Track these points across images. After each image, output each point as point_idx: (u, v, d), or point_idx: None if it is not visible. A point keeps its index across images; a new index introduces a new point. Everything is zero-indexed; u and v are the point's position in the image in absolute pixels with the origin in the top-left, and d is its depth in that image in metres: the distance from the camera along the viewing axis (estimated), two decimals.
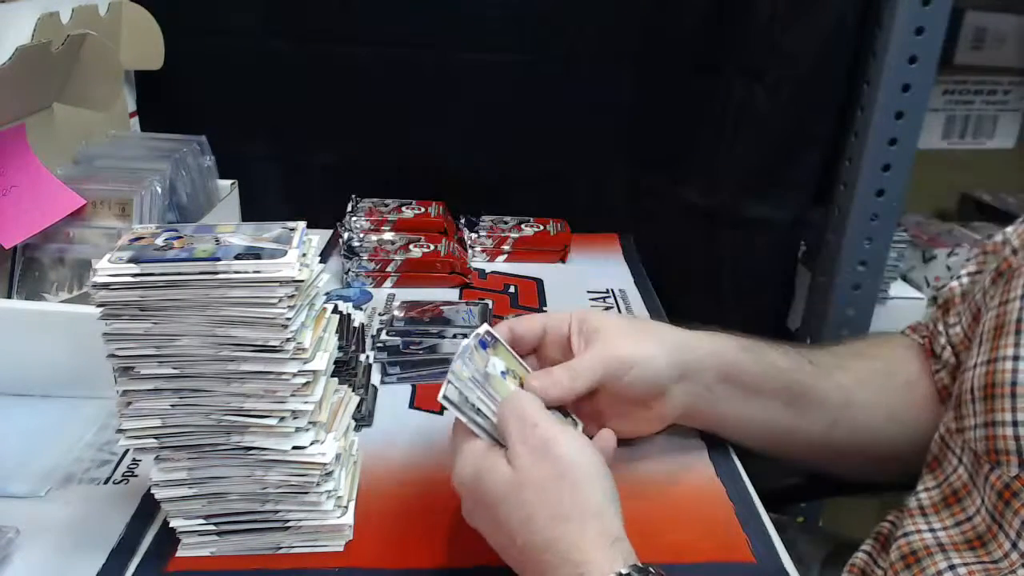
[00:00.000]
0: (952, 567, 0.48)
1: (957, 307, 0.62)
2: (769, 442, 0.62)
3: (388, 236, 0.94)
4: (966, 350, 0.59)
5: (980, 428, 0.49)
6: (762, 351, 0.60)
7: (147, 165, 0.83)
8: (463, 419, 0.48)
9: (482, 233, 1.01)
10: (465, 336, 0.77)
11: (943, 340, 0.62)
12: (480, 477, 0.46)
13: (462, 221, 1.04)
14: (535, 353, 0.59)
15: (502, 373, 0.53)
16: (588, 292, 0.93)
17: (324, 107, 1.05)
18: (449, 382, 0.49)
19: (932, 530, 0.51)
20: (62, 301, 0.74)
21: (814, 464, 0.66)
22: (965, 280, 0.63)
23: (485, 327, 0.56)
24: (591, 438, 0.51)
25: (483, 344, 0.54)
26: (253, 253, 0.45)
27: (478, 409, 0.48)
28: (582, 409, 0.58)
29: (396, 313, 0.82)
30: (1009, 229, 0.58)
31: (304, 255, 0.47)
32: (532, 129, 1.07)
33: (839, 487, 0.86)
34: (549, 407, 0.52)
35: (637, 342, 0.56)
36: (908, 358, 0.65)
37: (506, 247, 1.00)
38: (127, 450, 0.62)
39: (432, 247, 0.93)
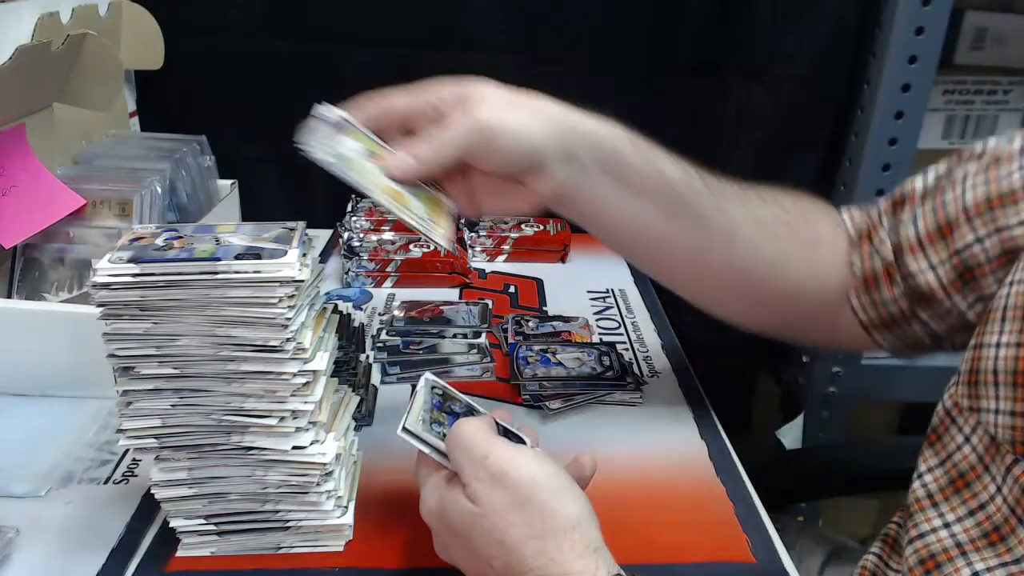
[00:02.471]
0: (976, 574, 0.46)
1: (915, 205, 0.58)
2: (640, 249, 0.60)
3: (388, 236, 0.94)
4: (912, 254, 0.56)
5: (1005, 415, 0.46)
6: (652, 153, 0.56)
7: (147, 165, 0.83)
8: (425, 450, 0.47)
9: (482, 233, 1.01)
10: (465, 336, 0.78)
11: (883, 234, 0.59)
12: (445, 510, 0.45)
13: (462, 221, 1.04)
14: (410, 133, 0.54)
15: (361, 154, 0.51)
16: (588, 292, 0.93)
17: None
18: (410, 411, 0.48)
19: (947, 525, 0.49)
20: (62, 301, 0.74)
21: (685, 289, 0.63)
22: (931, 179, 0.58)
23: (337, 112, 0.52)
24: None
25: (339, 128, 0.51)
26: (253, 253, 0.45)
27: (443, 435, 0.47)
28: (455, 186, 0.55)
29: (396, 313, 0.82)
30: (992, 141, 0.55)
31: (304, 255, 0.47)
32: None
33: (840, 487, 0.86)
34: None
35: (511, 109, 0.52)
36: (828, 226, 0.62)
37: (506, 247, 1.01)
38: (127, 450, 0.62)
39: (432, 247, 0.93)
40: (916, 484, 0.52)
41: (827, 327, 0.63)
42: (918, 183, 0.58)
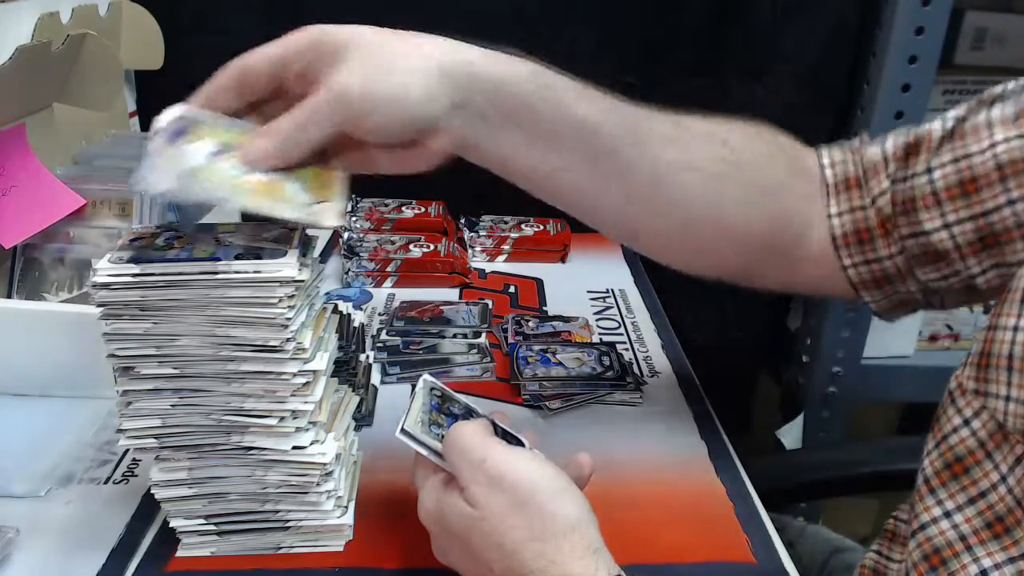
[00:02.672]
0: (983, 572, 0.44)
1: (931, 153, 0.52)
2: (559, 197, 0.54)
3: (388, 236, 0.94)
4: (926, 209, 0.51)
5: (1019, 404, 0.44)
6: (567, 95, 0.49)
7: None
8: (423, 452, 0.47)
9: (482, 233, 1.01)
10: (465, 336, 0.78)
11: (884, 183, 0.54)
12: (443, 513, 0.45)
13: (462, 221, 1.04)
14: (282, 98, 0.47)
15: (212, 155, 0.43)
16: (588, 292, 0.93)
17: None
18: (408, 413, 0.48)
19: (947, 514, 0.47)
20: (62, 301, 0.74)
21: (616, 236, 0.59)
22: (950, 122, 0.52)
23: (172, 112, 0.44)
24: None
25: (176, 134, 0.43)
26: (253, 253, 0.45)
27: (441, 437, 0.47)
28: (346, 153, 0.48)
29: (396, 313, 0.82)
30: (1011, 84, 0.51)
31: (304, 255, 0.47)
32: None
33: (840, 487, 0.86)
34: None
35: (383, 65, 0.44)
36: (792, 170, 0.57)
37: (506, 247, 1.01)
38: (127, 450, 0.62)
39: (432, 247, 0.93)
40: (919, 472, 0.50)
41: (781, 273, 0.60)
42: (935, 126, 0.53)
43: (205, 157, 0.43)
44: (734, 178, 0.54)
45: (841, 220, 0.56)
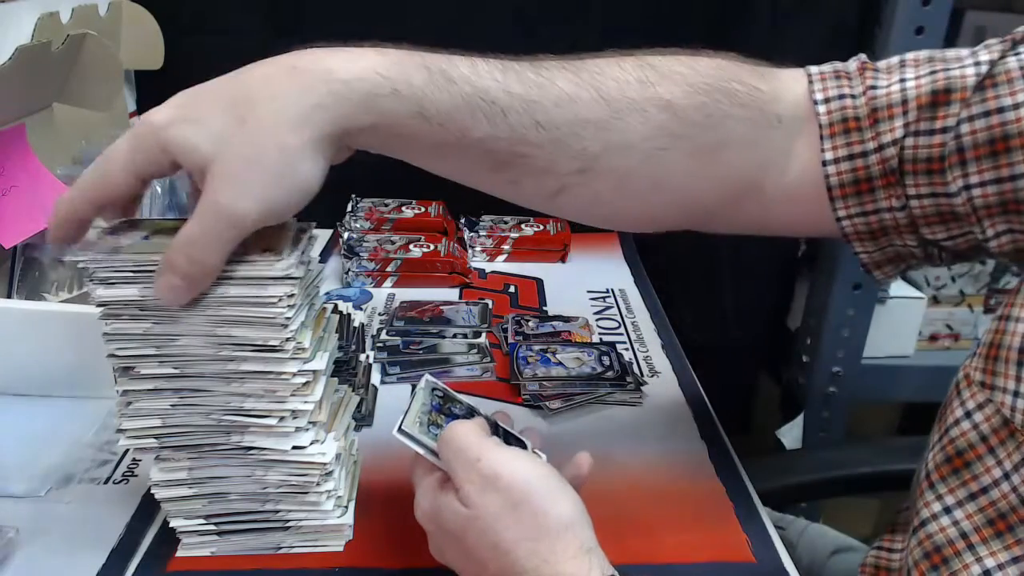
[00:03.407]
0: (987, 572, 0.44)
1: (961, 105, 0.46)
2: (487, 191, 0.51)
3: (388, 236, 0.94)
4: (950, 168, 0.46)
5: None
6: (462, 119, 0.44)
7: None
8: (420, 451, 0.47)
9: (482, 233, 1.01)
10: (465, 336, 0.78)
11: (897, 130, 0.48)
12: (439, 512, 0.45)
13: (462, 221, 1.04)
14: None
15: (143, 239, 0.46)
16: (588, 292, 0.93)
17: None
18: (408, 412, 0.48)
19: (948, 510, 0.46)
20: (62, 301, 0.74)
21: (559, 215, 0.55)
22: (984, 66, 0.46)
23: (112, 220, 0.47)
24: None
25: (114, 231, 0.47)
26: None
27: (436, 436, 0.47)
28: None
29: (396, 313, 0.82)
30: None
31: (303, 254, 0.47)
32: None
33: (840, 487, 0.86)
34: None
35: (260, 182, 0.41)
36: (754, 116, 0.50)
37: (506, 247, 1.01)
38: (127, 450, 0.62)
39: (432, 247, 0.93)
40: (922, 466, 0.49)
41: (746, 222, 0.55)
42: (968, 71, 0.46)
43: (138, 240, 0.45)
44: (677, 147, 0.49)
45: (838, 167, 0.50)
